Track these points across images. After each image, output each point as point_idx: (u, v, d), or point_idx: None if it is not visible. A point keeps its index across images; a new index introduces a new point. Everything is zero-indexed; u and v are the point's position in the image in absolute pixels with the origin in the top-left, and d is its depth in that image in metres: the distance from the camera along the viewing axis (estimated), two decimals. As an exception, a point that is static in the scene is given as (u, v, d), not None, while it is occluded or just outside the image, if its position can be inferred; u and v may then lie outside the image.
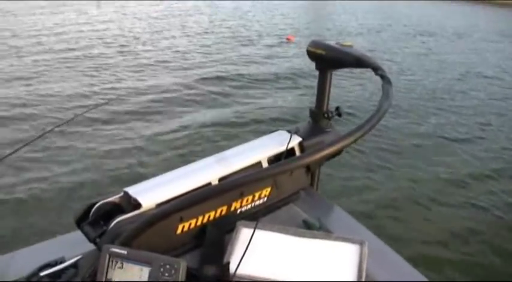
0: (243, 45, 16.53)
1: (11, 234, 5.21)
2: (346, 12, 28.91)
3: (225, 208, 1.63)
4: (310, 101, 2.07)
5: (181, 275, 1.22)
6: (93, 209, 1.51)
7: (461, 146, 8.71)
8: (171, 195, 1.51)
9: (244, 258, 1.40)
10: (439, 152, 8.34)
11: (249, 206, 1.72)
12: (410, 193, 6.88)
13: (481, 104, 11.59)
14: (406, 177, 7.31)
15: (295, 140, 1.87)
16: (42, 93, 9.98)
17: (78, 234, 1.50)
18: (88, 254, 1.46)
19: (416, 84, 12.79)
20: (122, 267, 1.24)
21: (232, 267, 1.41)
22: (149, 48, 15.24)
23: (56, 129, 2.37)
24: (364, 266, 1.46)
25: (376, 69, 1.62)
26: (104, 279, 1.25)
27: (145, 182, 1.60)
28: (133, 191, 1.52)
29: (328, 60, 1.88)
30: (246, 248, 1.42)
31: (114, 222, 1.41)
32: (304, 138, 1.89)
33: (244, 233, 1.58)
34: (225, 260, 1.46)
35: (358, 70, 2.16)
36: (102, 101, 9.49)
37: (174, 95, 10.42)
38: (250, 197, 1.71)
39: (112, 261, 1.25)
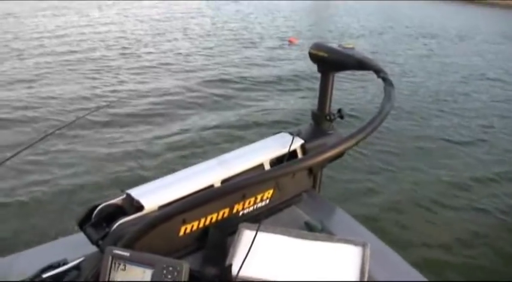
0: (245, 47, 16.53)
1: (13, 236, 5.21)
2: (348, 14, 28.92)
3: (227, 210, 1.64)
4: (312, 103, 2.07)
5: (184, 277, 1.22)
6: (96, 211, 1.51)
7: (463, 149, 8.70)
8: (174, 197, 1.51)
9: (246, 260, 1.40)
10: (441, 155, 8.33)
11: (251, 208, 1.72)
12: (413, 196, 6.87)
13: (484, 106, 11.59)
14: (409, 180, 7.31)
15: (297, 142, 1.87)
16: (44, 96, 9.98)
17: (80, 236, 1.50)
18: (90, 256, 1.46)
19: (418, 86, 12.79)
20: (124, 269, 1.24)
21: (234, 269, 1.41)
22: (151, 50, 15.24)
23: (57, 131, 2.37)
24: (367, 268, 1.46)
25: (378, 71, 1.62)
26: (106, 281, 1.25)
27: (147, 184, 1.60)
28: (135, 193, 1.52)
29: (330, 62, 1.88)
30: (248, 250, 1.42)
31: (117, 224, 1.41)
32: (306, 140, 1.89)
33: (247, 235, 1.59)
34: (227, 262, 1.46)
35: (359, 72, 2.16)
36: (104, 104, 9.48)
37: (176, 97, 10.41)
38: (252, 199, 1.71)
39: (115, 263, 1.25)
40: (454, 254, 5.62)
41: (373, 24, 24.69)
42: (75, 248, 1.51)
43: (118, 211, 1.52)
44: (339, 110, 1.99)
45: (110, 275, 1.25)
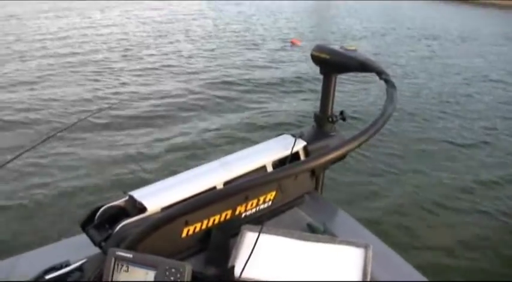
0: (247, 49, 16.53)
1: (14, 239, 5.20)
2: (350, 16, 28.89)
3: (229, 212, 1.64)
4: (314, 105, 2.07)
5: (187, 278, 1.22)
6: (98, 213, 1.51)
7: (466, 151, 8.68)
8: (176, 199, 1.51)
9: (249, 262, 1.40)
10: (444, 157, 8.31)
11: (253, 210, 1.73)
12: (416, 198, 6.86)
13: (486, 108, 11.55)
14: (411, 183, 7.29)
15: (300, 144, 1.87)
16: (46, 98, 9.99)
17: (83, 238, 1.50)
18: (93, 258, 1.46)
19: (421, 88, 12.76)
20: (127, 271, 1.25)
21: (237, 271, 1.41)
22: (153, 52, 15.25)
23: (59, 134, 2.38)
24: (369, 270, 1.46)
25: (380, 73, 1.62)
26: (109, 282, 1.26)
27: (150, 186, 1.60)
28: (138, 194, 1.52)
29: (333, 64, 1.88)
30: (251, 252, 1.42)
31: (120, 225, 1.41)
32: (309, 142, 1.90)
33: (249, 236, 1.59)
34: (229, 264, 1.46)
35: (362, 74, 2.15)
36: (106, 106, 9.48)
37: (178, 99, 10.41)
38: (255, 201, 1.71)
39: (117, 265, 1.25)
40: (457, 256, 5.61)
41: (375, 25, 24.65)
42: (77, 249, 1.51)
43: (121, 213, 1.52)
44: (341, 112, 1.99)
45: (112, 276, 1.25)
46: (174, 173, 1.70)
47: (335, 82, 1.97)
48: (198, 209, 1.37)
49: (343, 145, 1.33)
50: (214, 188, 1.60)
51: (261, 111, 9.97)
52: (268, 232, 1.61)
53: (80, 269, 1.43)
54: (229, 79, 12.25)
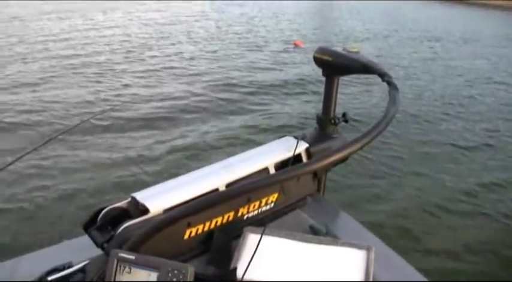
0: (249, 51, 16.51)
1: (15, 241, 5.20)
2: (353, 17, 28.89)
3: (232, 214, 1.64)
4: (317, 107, 2.07)
5: (189, 280, 1.22)
6: (101, 214, 1.52)
7: (469, 153, 8.66)
8: (179, 200, 1.52)
9: (251, 263, 1.40)
10: (446, 159, 8.29)
11: (256, 212, 1.73)
12: (418, 201, 6.84)
13: (488, 110, 11.55)
14: (414, 186, 7.27)
15: (302, 146, 1.87)
16: (48, 100, 9.99)
17: (85, 239, 1.51)
18: (95, 259, 1.46)
19: (423, 90, 12.76)
20: (129, 272, 1.25)
21: (239, 273, 1.41)
22: (156, 54, 15.25)
23: (60, 136, 2.38)
24: (371, 272, 1.46)
25: (382, 75, 1.62)
26: (111, 284, 1.26)
27: (152, 188, 1.60)
28: (140, 196, 1.53)
29: (335, 66, 1.88)
30: (253, 254, 1.42)
31: (122, 227, 1.41)
32: (311, 144, 1.90)
33: (251, 238, 1.59)
34: (232, 266, 1.47)
35: (364, 76, 2.16)
36: (108, 107, 9.48)
37: (180, 101, 10.39)
38: (257, 203, 1.71)
39: (120, 266, 1.25)
40: (459, 259, 5.60)
41: (377, 27, 24.66)
42: (80, 251, 1.51)
43: (123, 214, 1.53)
44: (344, 114, 1.99)
45: (115, 277, 1.25)
46: (176, 175, 1.69)
47: (337, 84, 1.98)
48: (201, 211, 1.37)
49: (345, 147, 1.33)
50: (217, 190, 1.60)
51: (264, 113, 9.96)
52: (271, 234, 1.61)
53: (82, 270, 1.43)
54: (232, 81, 12.25)
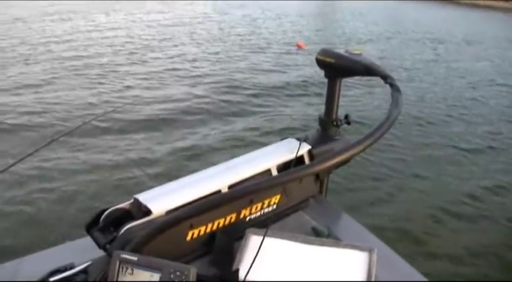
0: (252, 52, 16.50)
1: (15, 243, 5.19)
2: (355, 19, 28.90)
3: (234, 215, 1.64)
4: (319, 109, 2.07)
5: (191, 281, 1.22)
6: (103, 216, 1.52)
7: (471, 156, 8.64)
8: (181, 202, 1.52)
9: (253, 265, 1.40)
10: (449, 162, 8.27)
11: (258, 214, 1.73)
12: (421, 204, 6.81)
13: (491, 112, 11.54)
14: (416, 188, 7.26)
15: (305, 148, 1.87)
16: (50, 101, 9.96)
17: (87, 240, 1.51)
18: (98, 260, 1.46)
19: (426, 92, 12.75)
20: (132, 273, 1.25)
21: (241, 274, 1.41)
22: (158, 55, 15.23)
23: (61, 138, 2.38)
24: (373, 273, 1.46)
25: (385, 77, 1.63)
26: (114, 285, 1.26)
27: (155, 189, 1.61)
28: (143, 197, 1.53)
29: (338, 68, 1.89)
30: (256, 255, 1.42)
31: (125, 228, 1.41)
32: (313, 146, 1.90)
33: (254, 240, 1.59)
34: (234, 267, 1.47)
35: (367, 78, 2.16)
36: (110, 109, 9.46)
37: (182, 103, 10.37)
38: (259, 205, 1.71)
39: (122, 268, 1.25)
40: (462, 262, 5.57)
41: (379, 28, 24.69)
42: (82, 252, 1.51)
43: (126, 216, 1.53)
44: (346, 116, 1.99)
45: (117, 278, 1.25)
46: (178, 177, 1.70)
47: (340, 86, 1.98)
48: (203, 213, 1.37)
49: (348, 149, 1.33)
50: (219, 191, 1.60)
51: (266, 115, 9.95)
52: (273, 235, 1.62)
53: (84, 271, 1.43)
54: (234, 83, 12.22)
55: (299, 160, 1.82)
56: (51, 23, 20.02)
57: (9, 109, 9.37)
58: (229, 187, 1.63)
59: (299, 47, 17.68)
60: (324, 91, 2.02)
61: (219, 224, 1.60)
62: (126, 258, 1.26)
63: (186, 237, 1.52)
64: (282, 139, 1.98)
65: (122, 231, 1.41)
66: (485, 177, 7.80)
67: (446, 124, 10.32)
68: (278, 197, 1.76)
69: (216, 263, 1.52)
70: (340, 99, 1.99)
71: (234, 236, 1.62)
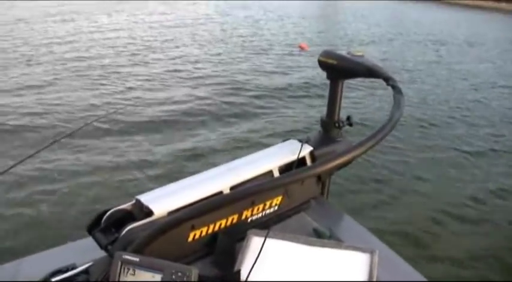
0: (254, 54, 16.50)
1: (16, 244, 5.19)
2: (357, 20, 28.90)
3: (236, 216, 1.64)
4: (321, 111, 2.07)
5: (193, 282, 1.22)
6: (105, 216, 1.52)
7: (473, 159, 8.62)
8: (183, 203, 1.52)
9: (255, 266, 1.40)
10: (451, 165, 8.25)
11: (260, 215, 1.73)
12: (423, 207, 6.80)
13: (493, 114, 11.52)
14: (418, 191, 7.24)
15: (306, 149, 1.87)
16: (51, 103, 9.97)
17: (89, 241, 1.51)
18: (99, 261, 1.46)
19: (428, 94, 12.73)
20: (133, 274, 1.25)
21: (243, 275, 1.41)
22: (160, 56, 15.24)
23: (63, 140, 2.38)
24: (375, 275, 1.46)
25: (387, 79, 1.62)
26: (115, 286, 1.26)
27: (157, 190, 1.61)
28: (145, 198, 1.53)
29: (340, 70, 1.89)
30: (257, 257, 1.42)
31: (126, 229, 1.41)
32: (315, 147, 1.90)
33: (255, 241, 1.59)
34: (235, 268, 1.47)
35: (369, 79, 2.17)
36: (112, 110, 9.45)
37: (184, 105, 10.36)
38: (261, 206, 1.71)
39: (124, 268, 1.25)
40: (464, 266, 5.56)
41: (381, 30, 24.70)
42: (83, 252, 1.51)
43: (127, 216, 1.53)
44: (348, 118, 1.99)
45: (119, 279, 1.25)
46: (179, 178, 1.70)
47: (342, 87, 1.98)
48: (205, 214, 1.37)
49: (349, 151, 1.33)
50: (221, 192, 1.60)
51: (268, 117, 9.96)
52: (275, 237, 1.61)
53: (86, 272, 1.43)
54: (237, 85, 12.22)
55: (301, 161, 1.82)
56: (53, 24, 20.06)
57: (11, 110, 9.38)
58: (231, 188, 1.63)
59: (302, 48, 17.67)
60: (326, 93, 2.02)
61: (220, 225, 1.60)
62: (127, 259, 1.26)
63: (187, 238, 1.52)
64: (283, 140, 1.98)
65: (124, 232, 1.41)
66: (488, 180, 7.78)
67: (449, 126, 10.31)
68: (280, 198, 1.76)
69: (218, 264, 1.52)
70: (342, 100, 1.99)
71: (236, 237, 1.62)
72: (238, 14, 27.53)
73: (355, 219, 1.91)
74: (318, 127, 2.06)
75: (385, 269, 1.50)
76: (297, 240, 1.62)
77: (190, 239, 1.53)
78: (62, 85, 11.36)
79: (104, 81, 11.87)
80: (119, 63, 14.00)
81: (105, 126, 8.43)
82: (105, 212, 1.52)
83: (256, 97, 11.31)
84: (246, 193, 1.37)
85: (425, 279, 1.54)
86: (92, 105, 10.00)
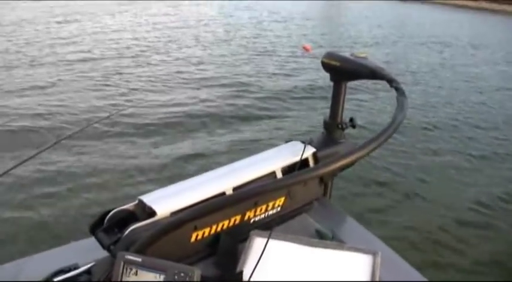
0: (258, 55, 16.45)
1: (15, 245, 5.19)
2: (360, 22, 28.87)
3: (238, 217, 1.64)
4: (324, 113, 2.08)
5: (195, 282, 1.23)
6: (108, 216, 1.52)
7: (477, 162, 8.55)
8: (186, 203, 1.52)
9: (257, 267, 1.40)
10: (455, 168, 8.16)
11: (262, 216, 1.73)
12: (426, 211, 6.76)
13: (498, 116, 11.50)
14: (421, 195, 7.16)
15: (309, 151, 1.88)
16: (54, 104, 9.94)
17: (91, 241, 1.51)
18: (101, 261, 1.47)
19: (431, 96, 12.72)
20: (136, 274, 1.25)
21: (245, 276, 1.41)
22: (164, 58, 15.20)
23: (63, 141, 2.38)
24: (377, 276, 1.46)
25: (390, 81, 1.63)
26: (118, 286, 1.26)
27: (160, 191, 1.61)
28: (148, 199, 1.53)
29: (343, 71, 1.89)
30: (260, 257, 1.42)
31: (129, 229, 1.42)
32: (318, 148, 1.90)
33: (258, 242, 1.59)
34: (238, 269, 1.47)
35: (372, 81, 2.17)
36: (115, 111, 9.41)
37: (187, 107, 10.32)
38: (264, 207, 1.71)
39: (126, 268, 1.26)
40: (468, 271, 5.50)
41: (384, 31, 24.67)
42: (86, 252, 1.52)
43: (130, 217, 1.53)
44: (351, 119, 1.99)
45: (121, 279, 1.25)
46: (182, 179, 1.70)
47: (345, 89, 1.98)
48: (208, 215, 1.38)
49: (352, 152, 1.33)
50: (224, 193, 1.61)
51: (272, 119, 9.93)
52: (277, 238, 1.62)
53: (88, 272, 1.44)
54: (240, 86, 12.18)
55: (304, 163, 1.82)
56: (56, 25, 20.04)
57: (13, 111, 9.37)
58: (234, 189, 1.64)
59: (306, 49, 17.62)
60: (330, 94, 2.02)
61: (223, 225, 1.60)
62: (130, 259, 1.26)
63: (190, 239, 1.52)
64: (286, 141, 1.98)
65: (127, 232, 1.41)
66: (492, 184, 7.72)
67: (452, 129, 10.27)
68: (282, 199, 1.76)
69: (220, 264, 1.52)
70: (345, 102, 2.00)
71: (238, 237, 1.63)
72: (242, 15, 27.48)
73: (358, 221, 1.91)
74: (321, 128, 2.06)
75: (387, 270, 1.51)
76: (300, 242, 1.62)
77: (192, 239, 1.53)
78: (65, 86, 11.33)
79: (106, 83, 11.84)
80: (122, 64, 13.97)
81: (108, 127, 8.41)
82: (108, 212, 1.53)
83: (260, 99, 11.28)
84: (249, 194, 1.38)
85: (427, 280, 1.55)
86: (94, 106, 9.98)
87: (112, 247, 1.43)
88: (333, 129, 2.01)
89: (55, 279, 1.38)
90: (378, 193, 7.14)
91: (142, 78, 12.45)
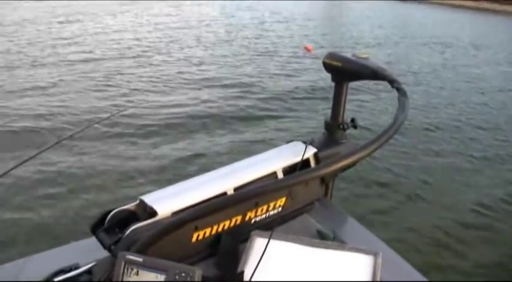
0: (259, 56, 16.43)
1: (15, 246, 5.19)
2: (362, 22, 28.86)
3: (239, 217, 1.64)
4: (326, 113, 2.07)
5: (196, 283, 1.23)
6: (109, 216, 1.52)
7: (479, 164, 8.53)
8: (187, 204, 1.52)
9: (258, 267, 1.40)
10: (456, 170, 8.13)
11: (263, 216, 1.73)
12: (427, 213, 6.74)
13: (500, 117, 11.49)
14: (424, 197, 7.13)
15: (310, 151, 1.88)
16: (55, 104, 9.92)
17: (92, 241, 1.51)
18: (102, 261, 1.47)
19: (433, 97, 12.71)
20: (137, 274, 1.25)
21: (246, 277, 1.41)
22: (165, 58, 15.19)
23: (64, 142, 2.38)
24: (378, 277, 1.46)
25: (392, 81, 1.63)
26: (119, 286, 1.26)
27: (161, 191, 1.61)
28: (149, 199, 1.53)
29: (344, 72, 1.89)
30: (260, 258, 1.43)
31: (130, 229, 1.42)
32: (319, 149, 1.90)
33: (259, 242, 1.59)
34: (239, 269, 1.47)
35: (373, 82, 2.17)
36: (116, 112, 9.40)
37: (188, 108, 10.30)
38: (265, 207, 1.71)
39: (127, 268, 1.26)
40: (469, 273, 5.50)
41: (386, 32, 24.66)
42: (86, 252, 1.52)
43: (131, 217, 1.53)
44: (352, 120, 1.99)
45: (122, 279, 1.25)
46: (184, 179, 1.70)
47: (347, 90, 1.98)
48: (209, 215, 1.38)
49: (354, 153, 1.33)
50: (225, 193, 1.61)
51: (273, 119, 9.92)
52: (278, 238, 1.62)
53: (89, 272, 1.44)
54: (241, 87, 12.17)
55: (305, 163, 1.82)
56: (58, 25, 20.03)
57: (14, 111, 9.36)
58: (235, 189, 1.64)
59: (307, 50, 17.56)
60: (331, 95, 2.02)
61: (224, 226, 1.60)
62: (131, 259, 1.26)
63: (191, 239, 1.52)
64: (288, 142, 1.98)
65: (128, 232, 1.41)
66: (494, 186, 7.69)
67: (454, 130, 10.25)
68: (283, 199, 1.76)
69: (221, 264, 1.52)
70: (347, 103, 2.00)
71: (239, 238, 1.63)
72: (244, 15, 27.47)
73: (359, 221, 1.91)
74: (323, 129, 2.06)
75: (388, 271, 1.51)
76: (301, 242, 1.62)
77: (193, 239, 1.53)
78: (66, 86, 11.31)
79: (107, 83, 11.82)
80: (123, 64, 13.95)
81: (108, 128, 8.40)
82: (109, 212, 1.53)
83: (261, 99, 11.26)
84: (250, 194, 1.38)
85: (428, 280, 1.55)
86: (95, 106, 9.96)
87: (113, 247, 1.43)
88: (334, 130, 2.01)
89: (55, 279, 1.38)
90: (379, 194, 7.12)
91: (144, 79, 12.44)
